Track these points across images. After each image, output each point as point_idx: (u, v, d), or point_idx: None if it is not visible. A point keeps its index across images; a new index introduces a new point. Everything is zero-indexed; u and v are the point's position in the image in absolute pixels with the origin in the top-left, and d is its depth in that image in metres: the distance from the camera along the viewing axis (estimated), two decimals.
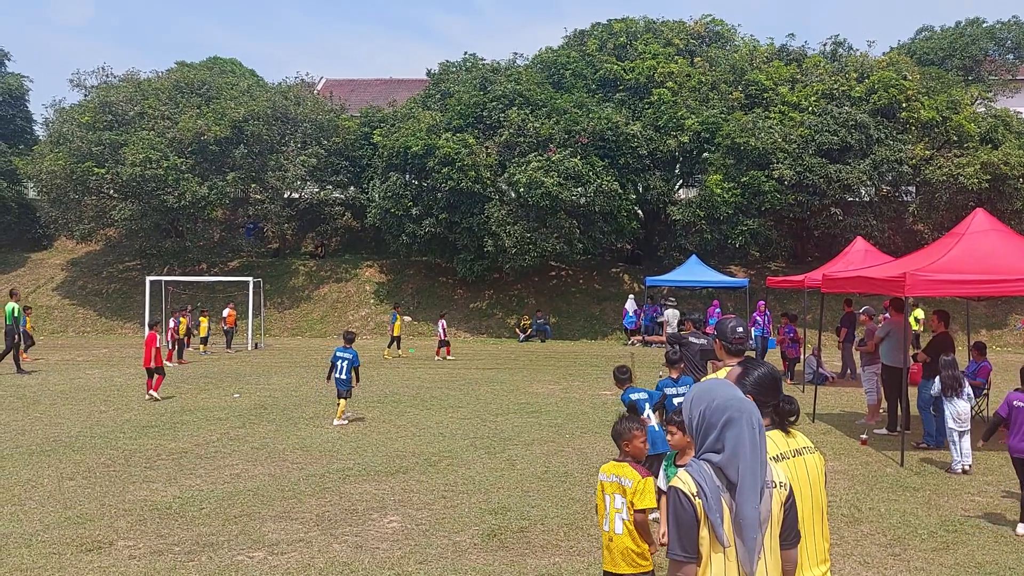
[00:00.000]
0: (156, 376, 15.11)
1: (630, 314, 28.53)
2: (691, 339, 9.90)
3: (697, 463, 2.66)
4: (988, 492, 8.67)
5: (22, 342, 20.47)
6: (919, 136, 30.71)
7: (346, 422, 12.68)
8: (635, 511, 4.53)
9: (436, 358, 23.13)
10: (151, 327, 15.96)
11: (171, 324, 22.03)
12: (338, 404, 12.78)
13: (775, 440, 3.11)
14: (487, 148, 29.87)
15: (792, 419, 3.17)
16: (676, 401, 7.44)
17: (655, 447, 6.75)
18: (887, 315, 15.44)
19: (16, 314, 19.65)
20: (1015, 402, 7.35)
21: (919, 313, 21.49)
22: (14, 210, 36.86)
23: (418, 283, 33.35)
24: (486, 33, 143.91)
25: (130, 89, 34.07)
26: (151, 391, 15.02)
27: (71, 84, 35.86)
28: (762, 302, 22.02)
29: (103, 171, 30.80)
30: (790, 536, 2.80)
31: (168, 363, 20.68)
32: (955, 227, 11.42)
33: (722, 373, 4.23)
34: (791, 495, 2.82)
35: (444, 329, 24.05)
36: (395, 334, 23.67)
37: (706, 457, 2.65)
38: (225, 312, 25.58)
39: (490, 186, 29.35)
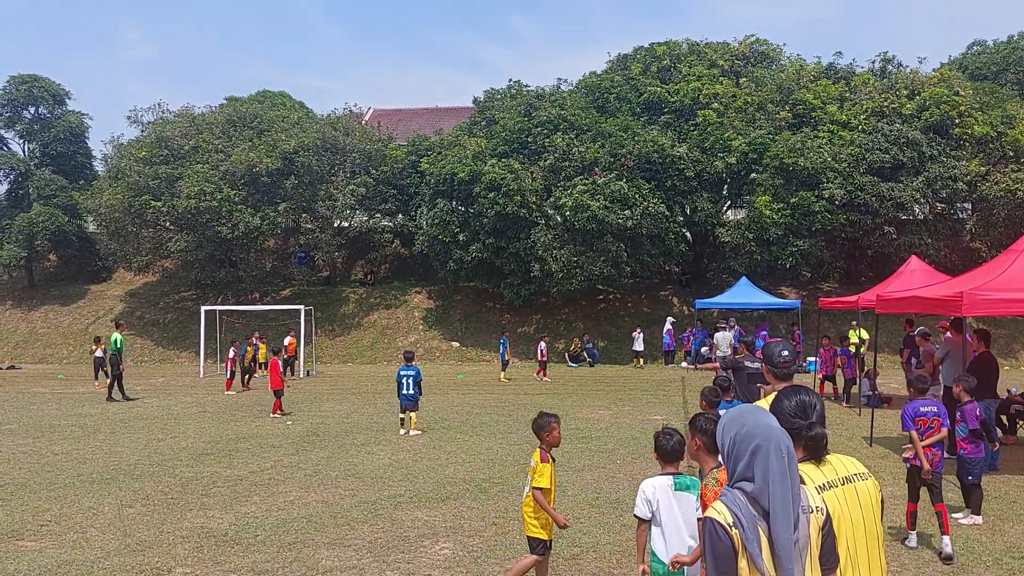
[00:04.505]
0: (276, 399, 16.91)
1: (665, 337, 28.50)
2: (745, 363, 9.76)
3: (732, 492, 2.62)
4: None
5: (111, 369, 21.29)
6: (973, 152, 30.06)
7: (420, 432, 14.01)
8: (532, 488, 5.68)
9: (545, 379, 24.23)
10: (275, 353, 17.81)
11: (231, 353, 22.47)
12: (410, 418, 14.05)
13: (820, 469, 3.02)
14: (532, 173, 30.03)
15: (823, 447, 3.05)
16: None
17: None
18: (947, 335, 15.06)
19: (119, 344, 20.54)
20: None
21: (864, 333, 20.78)
22: (75, 243, 38.10)
23: (466, 308, 33.51)
24: (530, 61, 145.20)
25: (185, 124, 35.05)
26: (275, 413, 16.75)
27: (128, 120, 37.13)
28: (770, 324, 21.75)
29: (159, 204, 31.70)
30: (829, 560, 2.77)
31: (228, 392, 21.38)
32: (1013, 244, 11.12)
33: (771, 398, 4.16)
34: (828, 520, 2.78)
35: (543, 351, 25.13)
36: (506, 358, 24.82)
37: (739, 486, 2.62)
38: (286, 341, 26.06)
39: (536, 211, 29.47)
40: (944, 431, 7.68)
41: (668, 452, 4.88)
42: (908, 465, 7.69)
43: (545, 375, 24.71)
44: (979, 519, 8.25)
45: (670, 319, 29.15)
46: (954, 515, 8.20)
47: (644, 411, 16.92)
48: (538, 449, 5.80)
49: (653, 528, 4.71)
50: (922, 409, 7.66)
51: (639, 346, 28.55)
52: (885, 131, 29.40)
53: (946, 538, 7.11)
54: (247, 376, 23.00)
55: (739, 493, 2.61)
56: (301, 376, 25.84)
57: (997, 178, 28.96)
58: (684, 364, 26.84)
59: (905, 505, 7.79)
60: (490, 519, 8.49)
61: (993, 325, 27.55)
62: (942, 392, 12.29)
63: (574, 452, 12.31)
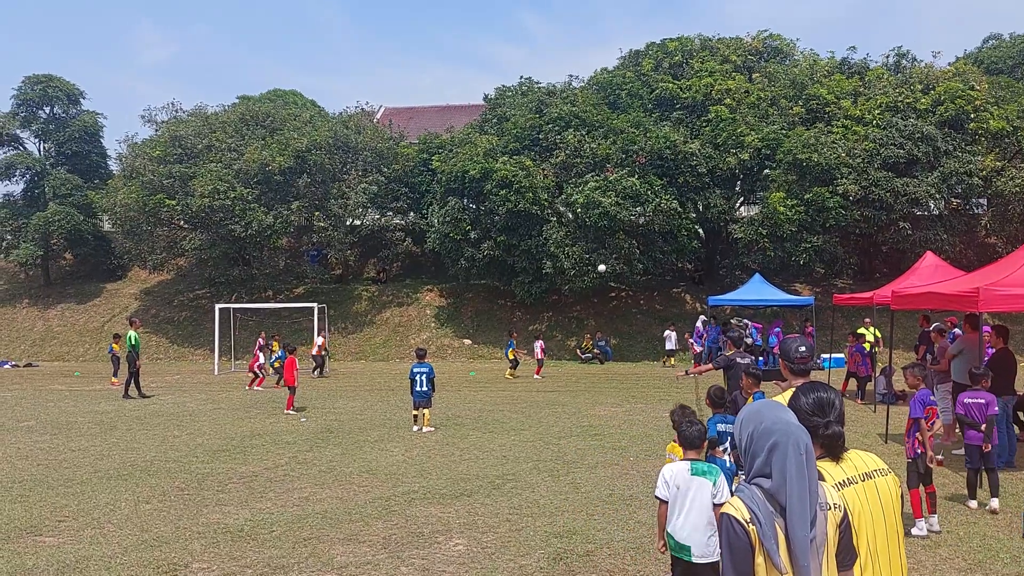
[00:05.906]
0: (289, 395, 17.15)
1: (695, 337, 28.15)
2: (738, 360, 9.88)
3: (749, 488, 2.63)
4: None
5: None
6: (989, 147, 29.81)
7: (433, 429, 14.13)
8: None
9: (536, 377, 24.42)
10: (291, 351, 18.25)
11: (260, 357, 23.06)
12: (423, 415, 14.22)
13: (840, 466, 3.00)
14: (544, 170, 29.99)
15: (840, 445, 3.03)
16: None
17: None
18: (956, 330, 14.98)
19: (135, 342, 20.68)
20: None
21: (877, 332, 20.62)
22: (90, 242, 38.35)
23: (478, 306, 33.53)
24: (541, 59, 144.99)
25: (198, 123, 35.21)
26: (288, 409, 16.91)
27: (142, 120, 37.41)
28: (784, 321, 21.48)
29: (174, 203, 31.88)
30: (846, 558, 2.76)
31: (258, 388, 21.71)
32: None
33: (788, 394, 4.15)
34: (846, 517, 2.77)
35: (541, 349, 25.29)
36: (510, 357, 25.04)
37: (756, 482, 2.62)
38: (319, 340, 26.24)
39: (547, 207, 29.44)
40: (940, 422, 8.18)
41: (688, 439, 5.38)
42: (919, 453, 7.78)
43: (537, 373, 24.71)
44: (973, 503, 8.62)
45: (702, 317, 28.76)
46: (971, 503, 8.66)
47: (657, 408, 16.90)
48: (675, 444, 5.88)
49: (671, 509, 5.10)
50: (931, 398, 7.95)
51: (671, 345, 28.18)
52: (900, 126, 29.17)
53: (919, 520, 7.63)
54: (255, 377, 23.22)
55: (757, 489, 2.62)
56: (314, 375, 25.89)
57: (1013, 173, 28.73)
58: (679, 374, 25.26)
59: (911, 496, 7.78)
60: (504, 515, 8.51)
61: (1009, 321, 27.35)
62: (952, 387, 12.22)
63: (587, 449, 12.33)
